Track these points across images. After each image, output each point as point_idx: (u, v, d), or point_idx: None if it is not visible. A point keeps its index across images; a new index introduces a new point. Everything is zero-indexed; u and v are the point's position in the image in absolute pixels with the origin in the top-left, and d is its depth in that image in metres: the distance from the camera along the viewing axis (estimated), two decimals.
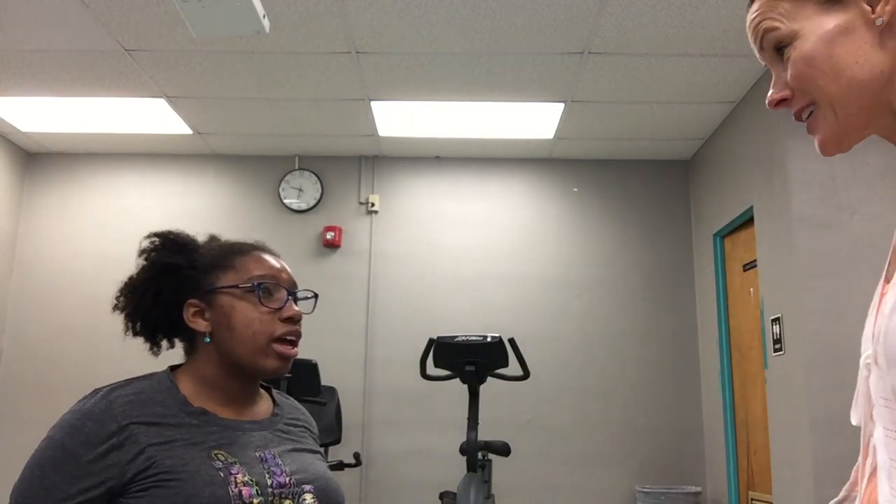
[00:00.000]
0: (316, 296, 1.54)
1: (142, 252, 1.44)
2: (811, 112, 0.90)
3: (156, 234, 1.45)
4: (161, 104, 4.77)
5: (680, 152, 5.51)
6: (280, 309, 1.40)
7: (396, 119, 4.99)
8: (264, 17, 3.11)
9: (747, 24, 0.94)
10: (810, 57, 0.87)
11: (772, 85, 0.93)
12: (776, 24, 0.90)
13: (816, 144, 0.91)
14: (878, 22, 0.84)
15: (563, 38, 3.91)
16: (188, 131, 5.21)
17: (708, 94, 4.55)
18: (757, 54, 0.95)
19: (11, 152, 5.47)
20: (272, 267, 1.43)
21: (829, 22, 0.86)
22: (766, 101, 0.95)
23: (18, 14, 3.74)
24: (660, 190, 5.62)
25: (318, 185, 5.57)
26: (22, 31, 3.90)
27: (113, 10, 3.69)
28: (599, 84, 4.43)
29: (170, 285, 1.40)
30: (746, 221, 4.65)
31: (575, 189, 5.62)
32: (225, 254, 1.43)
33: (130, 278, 1.43)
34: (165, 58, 4.17)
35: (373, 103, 4.73)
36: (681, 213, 5.57)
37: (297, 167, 5.61)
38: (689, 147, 5.41)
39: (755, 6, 0.93)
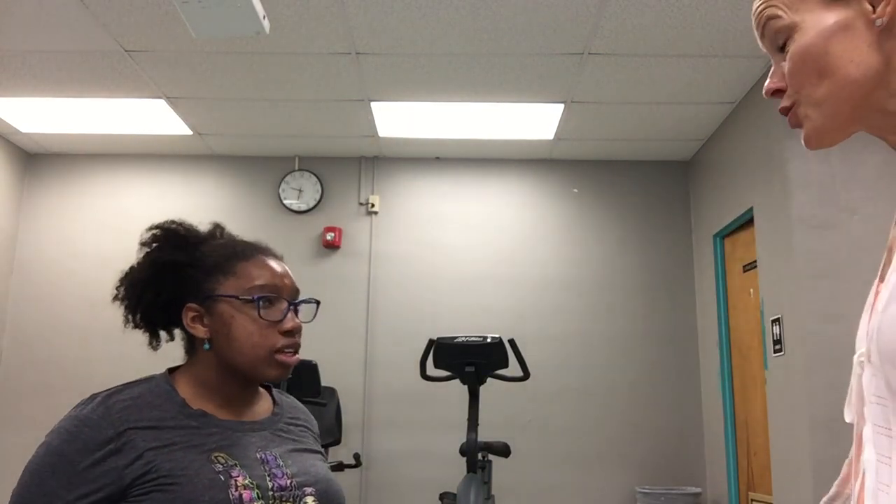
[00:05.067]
0: (318, 303, 1.50)
1: (143, 244, 1.41)
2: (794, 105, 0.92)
3: (158, 227, 1.42)
4: (161, 105, 4.77)
5: (680, 153, 5.51)
6: (280, 321, 1.37)
7: (396, 120, 4.99)
8: (264, 17, 3.11)
9: (753, 9, 0.96)
10: (806, 51, 0.88)
11: (770, 74, 0.94)
12: (779, 12, 0.91)
13: (802, 139, 0.92)
14: (878, 23, 0.84)
15: (563, 38, 3.91)
16: (188, 132, 5.21)
17: (708, 95, 4.55)
18: (759, 42, 0.96)
19: (11, 153, 5.47)
20: (274, 275, 1.40)
21: (830, 17, 0.87)
22: (763, 90, 0.96)
23: (18, 14, 3.74)
24: (660, 191, 5.62)
25: (318, 185, 5.57)
26: (22, 32, 3.90)
27: (113, 11, 3.69)
28: (599, 84, 4.43)
29: (171, 283, 1.38)
30: (746, 222, 4.64)
31: (575, 190, 5.62)
32: (227, 257, 1.40)
33: (132, 269, 1.40)
34: (165, 58, 4.17)
35: (373, 104, 4.73)
36: (681, 214, 5.57)
37: (296, 168, 5.61)
38: (689, 148, 5.41)
39: None
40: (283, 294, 1.40)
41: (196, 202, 5.59)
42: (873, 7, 0.85)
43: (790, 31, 0.89)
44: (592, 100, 4.64)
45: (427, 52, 4.09)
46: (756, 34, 0.96)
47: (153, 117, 4.97)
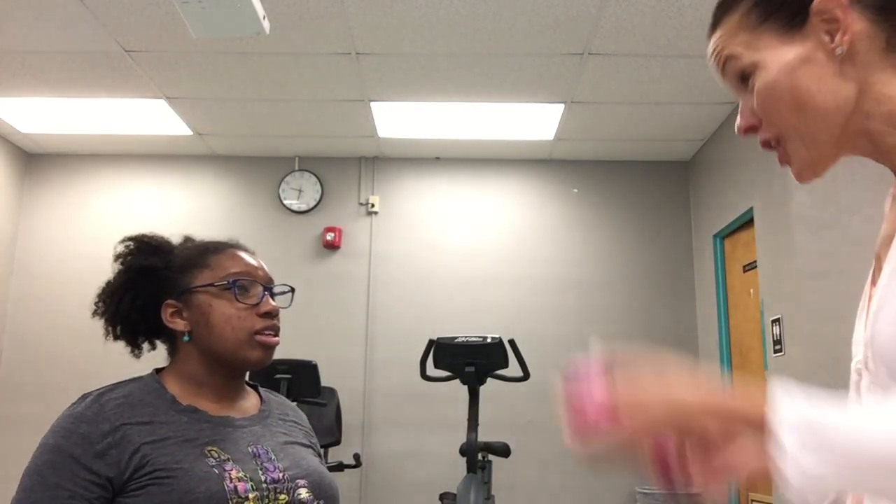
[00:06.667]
0: (293, 290, 1.55)
1: (117, 257, 1.46)
2: (778, 142, 0.90)
3: (130, 238, 1.47)
4: (161, 105, 4.77)
5: (680, 153, 5.51)
6: (257, 304, 1.41)
7: (396, 120, 4.99)
8: (264, 17, 3.11)
9: (708, 52, 0.95)
10: (773, 87, 0.87)
11: (739, 113, 0.93)
12: (736, 52, 0.90)
13: (792, 174, 0.91)
14: (838, 51, 0.84)
15: (563, 38, 3.91)
16: (188, 132, 5.21)
17: (708, 95, 4.55)
18: (720, 82, 0.95)
19: (11, 153, 5.47)
20: (247, 264, 1.45)
21: (790, 52, 0.86)
22: (735, 129, 0.95)
23: (18, 14, 3.74)
24: (660, 191, 5.62)
25: (318, 186, 5.57)
26: (22, 32, 3.90)
27: (113, 11, 3.69)
28: (599, 85, 4.43)
29: (147, 287, 1.42)
30: (746, 222, 4.64)
31: (575, 190, 5.62)
32: (200, 253, 1.45)
33: (108, 283, 1.45)
34: (165, 58, 4.17)
35: (372, 104, 4.73)
36: (681, 215, 5.57)
37: (296, 168, 5.61)
38: (689, 148, 5.41)
39: (715, 35, 0.93)
40: (258, 280, 1.44)
41: (196, 202, 5.59)
42: (831, 37, 0.85)
43: (752, 69, 0.89)
44: (592, 100, 4.64)
45: (427, 52, 4.09)
46: (716, 76, 0.94)
47: (153, 117, 4.97)
